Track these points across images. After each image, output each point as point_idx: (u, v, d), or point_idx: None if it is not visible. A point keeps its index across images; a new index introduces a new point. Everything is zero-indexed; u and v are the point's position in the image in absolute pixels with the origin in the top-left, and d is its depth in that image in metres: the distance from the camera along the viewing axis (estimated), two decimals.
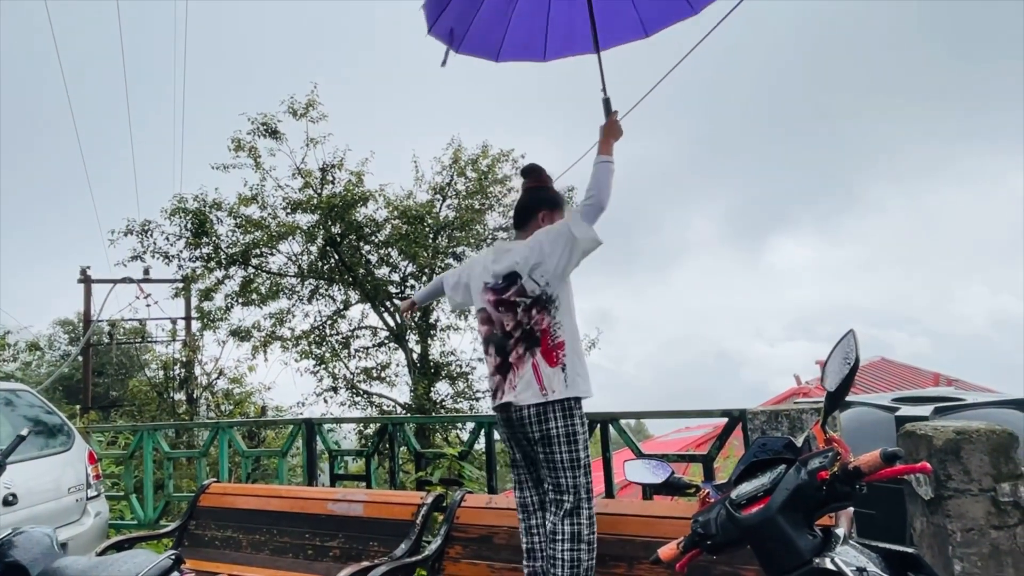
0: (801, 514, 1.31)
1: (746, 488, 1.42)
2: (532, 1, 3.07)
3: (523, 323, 2.57)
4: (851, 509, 1.51)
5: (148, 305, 15.11)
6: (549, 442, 2.48)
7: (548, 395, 2.47)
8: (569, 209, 2.79)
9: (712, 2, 3.03)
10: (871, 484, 1.25)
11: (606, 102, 2.81)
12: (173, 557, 2.03)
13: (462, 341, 12.39)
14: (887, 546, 1.33)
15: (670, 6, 3.05)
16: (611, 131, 2.68)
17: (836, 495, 1.28)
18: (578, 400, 2.53)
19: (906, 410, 3.93)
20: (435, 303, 11.83)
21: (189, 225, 11.22)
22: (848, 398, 2.51)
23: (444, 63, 3.07)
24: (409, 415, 10.77)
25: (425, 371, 11.55)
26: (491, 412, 2.85)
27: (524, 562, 2.68)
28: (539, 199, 2.77)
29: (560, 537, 2.47)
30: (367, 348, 12.42)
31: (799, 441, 1.48)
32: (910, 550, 1.31)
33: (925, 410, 3.85)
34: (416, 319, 11.91)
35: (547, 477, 2.54)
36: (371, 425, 9.97)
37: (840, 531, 1.35)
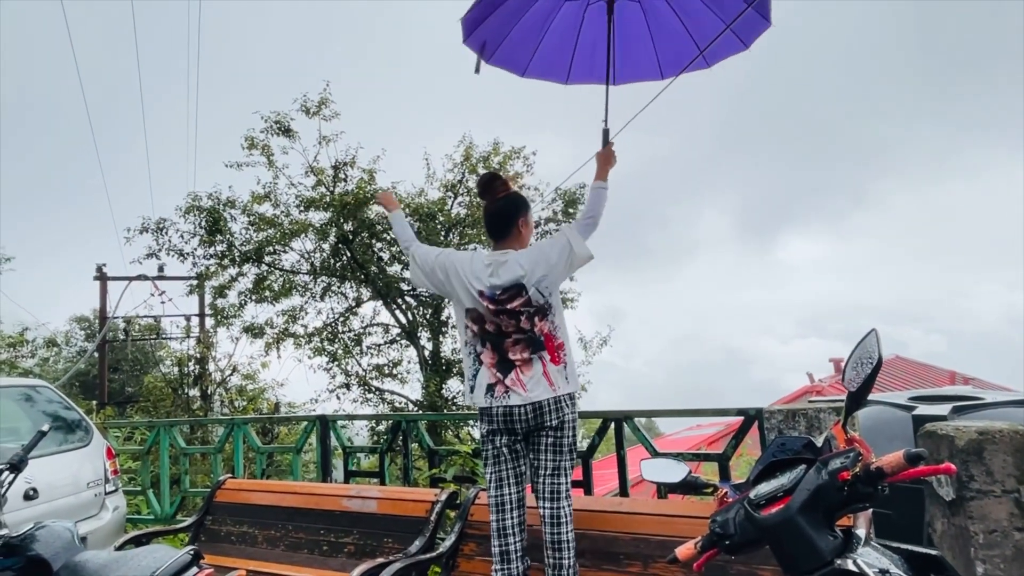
0: (821, 515, 1.30)
1: (765, 488, 1.41)
2: (564, 26, 3.25)
3: (526, 329, 2.72)
4: (870, 510, 1.50)
5: (163, 302, 15.28)
6: (563, 426, 2.69)
7: (557, 390, 2.68)
8: (567, 225, 2.92)
9: (724, 57, 3.22)
10: (889, 484, 1.24)
11: (605, 132, 3.01)
12: (192, 552, 2.06)
13: None
14: (910, 548, 1.32)
15: (684, 53, 3.25)
16: (607, 160, 2.96)
17: (858, 496, 1.27)
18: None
19: (923, 409, 3.88)
20: (446, 300, 11.86)
21: (203, 223, 11.31)
22: None
23: (477, 70, 3.22)
24: (422, 412, 10.81)
25: (437, 368, 11.58)
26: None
27: (498, 566, 2.69)
28: (516, 204, 2.87)
29: (564, 520, 2.66)
30: (379, 345, 12.48)
31: (819, 441, 1.47)
32: (933, 552, 1.29)
33: (943, 409, 3.81)
34: (428, 316, 11.94)
35: (549, 462, 2.69)
36: (383, 422, 10.02)
37: (861, 532, 1.34)
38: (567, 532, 2.65)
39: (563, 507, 2.67)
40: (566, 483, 2.70)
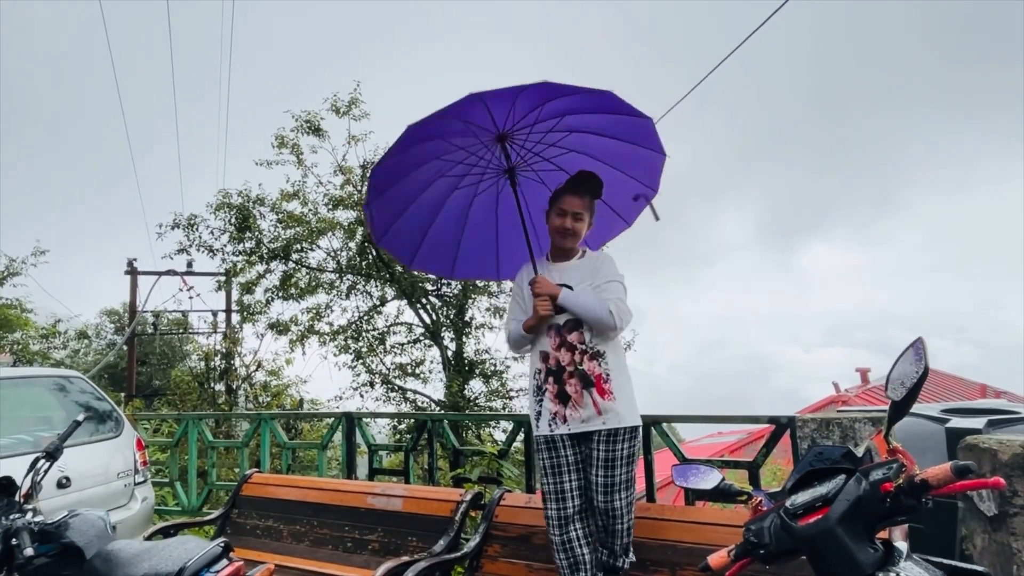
0: (861, 526, 1.27)
1: (803, 497, 1.38)
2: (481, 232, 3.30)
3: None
4: (907, 524, 1.46)
5: (191, 297, 15.56)
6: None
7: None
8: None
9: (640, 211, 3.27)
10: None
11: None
12: (222, 544, 2.08)
13: (496, 339, 12.40)
14: (954, 563, 1.28)
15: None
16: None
17: (900, 508, 1.23)
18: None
19: (957, 422, 3.80)
20: (470, 301, 11.88)
21: (233, 220, 11.47)
22: None
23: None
24: (446, 412, 10.83)
25: (459, 368, 11.60)
26: (526, 411, 2.90)
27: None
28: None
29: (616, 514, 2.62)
30: (402, 344, 12.53)
31: (858, 451, 1.44)
32: (980, 568, 1.25)
33: (978, 422, 3.72)
34: (451, 316, 11.97)
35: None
36: (406, 420, 10.06)
37: (900, 545, 1.31)
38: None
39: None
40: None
